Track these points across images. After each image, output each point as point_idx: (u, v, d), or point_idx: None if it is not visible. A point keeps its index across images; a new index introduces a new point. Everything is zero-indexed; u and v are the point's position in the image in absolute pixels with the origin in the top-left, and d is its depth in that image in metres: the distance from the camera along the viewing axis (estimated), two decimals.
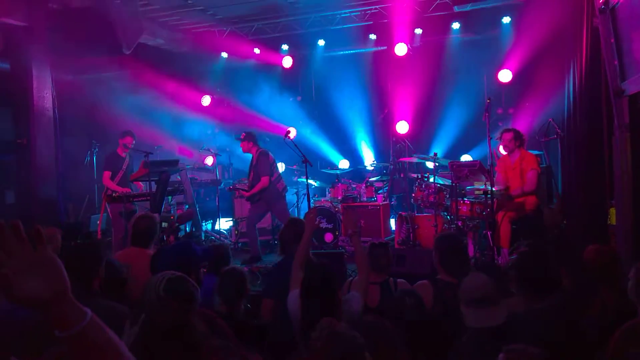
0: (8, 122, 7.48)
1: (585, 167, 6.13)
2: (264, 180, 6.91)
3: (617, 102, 4.37)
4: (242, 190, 7.41)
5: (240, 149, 7.35)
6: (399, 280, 3.85)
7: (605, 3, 4.33)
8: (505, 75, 8.32)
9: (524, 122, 7.84)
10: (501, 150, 6.63)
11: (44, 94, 7.24)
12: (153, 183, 6.18)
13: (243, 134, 7.19)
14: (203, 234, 8.18)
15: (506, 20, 8.36)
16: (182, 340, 2.07)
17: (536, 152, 6.70)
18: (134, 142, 7.23)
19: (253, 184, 7.05)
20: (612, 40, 4.33)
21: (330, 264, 3.44)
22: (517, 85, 8.47)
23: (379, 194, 8.04)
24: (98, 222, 7.21)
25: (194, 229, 7.94)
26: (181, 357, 2.03)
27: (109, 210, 7.02)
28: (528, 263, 3.31)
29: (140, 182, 7.09)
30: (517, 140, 6.20)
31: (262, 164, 6.97)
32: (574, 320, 2.73)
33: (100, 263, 3.01)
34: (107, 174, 7.05)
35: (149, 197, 6.45)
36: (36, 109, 7.15)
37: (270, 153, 7.11)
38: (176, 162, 7.02)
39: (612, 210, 5.15)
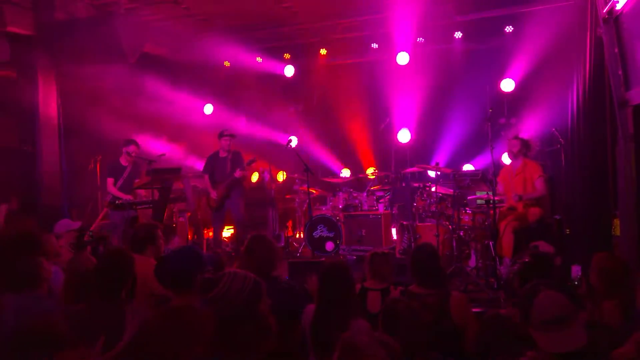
0: (14, 129, 7.54)
1: (588, 178, 6.11)
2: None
3: (621, 113, 4.37)
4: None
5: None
6: (400, 288, 3.83)
7: (609, 13, 4.34)
8: (507, 85, 8.31)
9: (526, 132, 7.77)
10: (504, 158, 6.64)
11: (50, 102, 7.37)
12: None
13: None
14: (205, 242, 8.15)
15: (508, 29, 8.35)
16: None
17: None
18: (137, 150, 7.25)
19: None
20: (616, 50, 4.34)
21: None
22: (520, 95, 8.43)
23: (380, 202, 8.01)
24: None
25: (195, 237, 7.92)
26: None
27: (109, 217, 7.01)
28: (531, 272, 3.31)
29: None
30: (524, 149, 6.33)
31: None
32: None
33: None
34: (111, 180, 7.08)
35: (151, 205, 6.46)
36: (42, 116, 7.30)
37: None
38: (179, 170, 7.02)
39: (616, 221, 5.13)
